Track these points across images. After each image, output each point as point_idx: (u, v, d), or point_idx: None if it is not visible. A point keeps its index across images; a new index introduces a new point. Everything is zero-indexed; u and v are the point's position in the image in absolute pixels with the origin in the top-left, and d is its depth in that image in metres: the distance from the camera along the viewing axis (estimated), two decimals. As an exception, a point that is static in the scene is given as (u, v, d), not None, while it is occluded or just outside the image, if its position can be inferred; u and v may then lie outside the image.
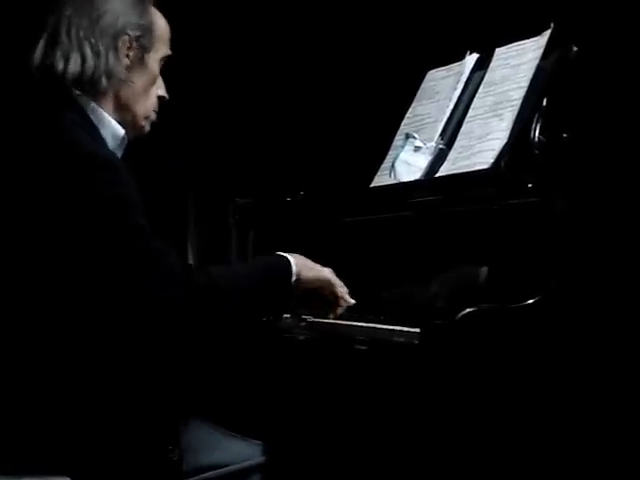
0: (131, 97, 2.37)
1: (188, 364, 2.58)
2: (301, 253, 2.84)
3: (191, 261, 3.59)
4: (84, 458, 2.21)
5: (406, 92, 2.99)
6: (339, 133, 3.31)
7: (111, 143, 2.35)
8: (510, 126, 2.55)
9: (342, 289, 2.47)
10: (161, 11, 2.42)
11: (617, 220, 2.29)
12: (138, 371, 2.26)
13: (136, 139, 2.43)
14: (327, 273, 2.45)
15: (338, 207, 2.96)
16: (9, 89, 2.51)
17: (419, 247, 2.59)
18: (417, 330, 2.25)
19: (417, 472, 2.51)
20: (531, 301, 2.18)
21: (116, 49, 2.32)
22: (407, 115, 2.96)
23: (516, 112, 2.55)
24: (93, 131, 2.31)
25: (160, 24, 2.42)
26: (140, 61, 2.36)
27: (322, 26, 3.55)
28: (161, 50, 2.41)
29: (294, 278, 2.36)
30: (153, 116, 2.44)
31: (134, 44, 2.34)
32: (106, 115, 2.35)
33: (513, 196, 2.34)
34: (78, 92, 2.32)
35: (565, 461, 2.31)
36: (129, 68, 2.35)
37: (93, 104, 2.33)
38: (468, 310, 2.16)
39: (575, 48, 2.51)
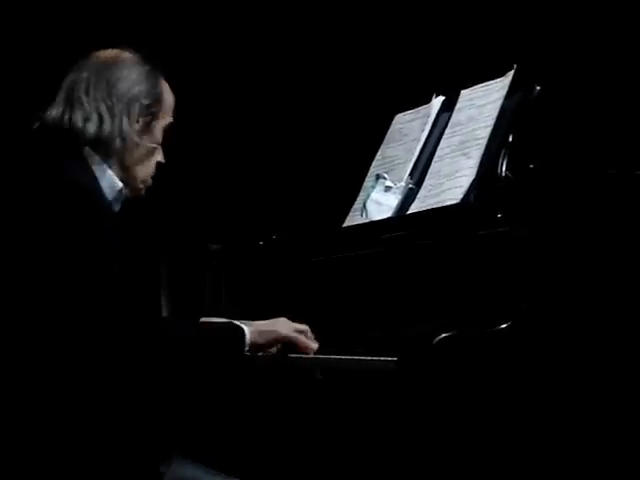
0: (135, 160, 2.52)
1: (166, 404, 2.61)
2: (275, 295, 2.92)
3: (164, 308, 3.63)
4: None
5: (374, 136, 3.08)
6: (309, 178, 3.38)
7: (108, 193, 2.48)
8: (477, 163, 2.64)
9: (300, 336, 2.55)
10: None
11: (582, 244, 2.38)
12: (109, 407, 2.32)
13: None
14: (281, 330, 2.54)
15: (312, 248, 3.02)
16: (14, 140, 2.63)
17: (393, 281, 2.66)
18: (394, 359, 2.32)
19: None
20: (504, 325, 2.26)
21: (129, 114, 2.48)
22: (376, 157, 3.04)
23: (482, 150, 2.64)
24: (91, 179, 2.44)
25: (167, 95, 2.59)
26: (148, 127, 2.52)
27: (291, 71, 3.65)
28: (166, 119, 2.58)
29: (246, 348, 2.47)
30: (150, 181, 2.59)
31: (145, 111, 2.51)
32: (107, 168, 2.48)
33: (483, 227, 2.42)
34: (88, 148, 2.45)
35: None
36: (139, 133, 2.50)
37: (98, 159, 2.46)
38: (444, 335, 2.23)
39: (538, 87, 2.62)
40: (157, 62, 2.57)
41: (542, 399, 2.27)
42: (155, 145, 2.55)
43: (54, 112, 2.48)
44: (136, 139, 2.49)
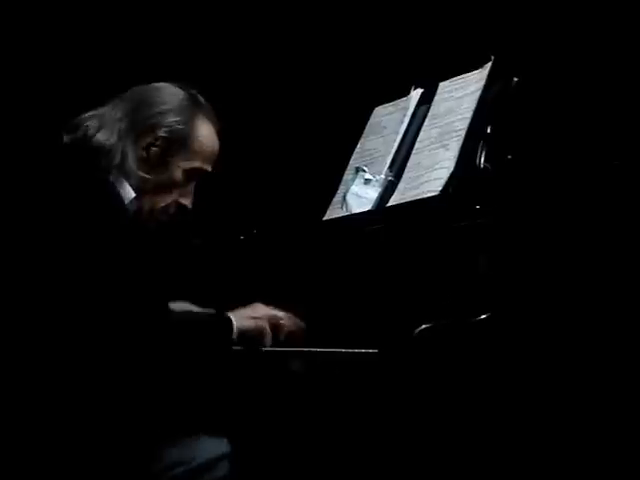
0: (140, 185, 2.47)
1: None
2: (256, 289, 2.91)
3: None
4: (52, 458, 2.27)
5: (353, 129, 3.09)
6: (289, 171, 3.39)
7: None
8: (456, 155, 2.65)
9: (283, 321, 2.59)
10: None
11: (560, 234, 2.40)
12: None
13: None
14: (262, 311, 2.58)
15: (292, 242, 3.03)
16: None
17: (373, 273, 2.67)
18: (375, 351, 2.33)
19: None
20: (484, 316, 2.27)
21: (137, 137, 2.46)
22: (356, 150, 3.05)
23: (461, 142, 2.66)
24: (110, 187, 2.44)
25: (204, 139, 2.54)
26: (160, 160, 2.48)
27: (270, 64, 3.66)
28: (194, 163, 2.53)
29: (234, 337, 2.51)
30: (163, 217, 2.55)
31: (158, 142, 2.47)
32: (123, 181, 2.46)
33: (462, 218, 2.43)
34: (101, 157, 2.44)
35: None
36: (144, 160, 2.47)
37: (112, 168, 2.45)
38: (424, 326, 2.24)
39: (515, 79, 2.63)
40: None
41: (521, 388, 2.29)
42: (168, 182, 2.51)
43: (77, 119, 2.49)
44: (133, 166, 2.46)
